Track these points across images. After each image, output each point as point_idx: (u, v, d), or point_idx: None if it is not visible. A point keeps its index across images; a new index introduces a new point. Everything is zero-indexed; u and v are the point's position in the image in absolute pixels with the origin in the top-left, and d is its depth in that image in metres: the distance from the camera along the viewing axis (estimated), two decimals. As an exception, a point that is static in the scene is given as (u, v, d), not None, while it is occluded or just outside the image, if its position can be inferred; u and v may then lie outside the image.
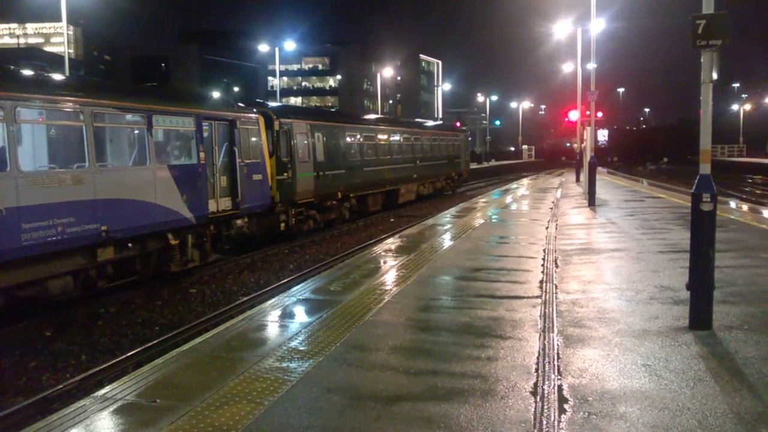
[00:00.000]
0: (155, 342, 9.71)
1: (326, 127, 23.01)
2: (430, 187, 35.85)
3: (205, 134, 14.77)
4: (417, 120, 46.46)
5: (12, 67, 11.97)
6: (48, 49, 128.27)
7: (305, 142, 20.84)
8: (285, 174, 19.16)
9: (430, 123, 45.41)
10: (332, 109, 43.15)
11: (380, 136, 29.07)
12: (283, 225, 19.24)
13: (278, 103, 29.01)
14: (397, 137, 31.19)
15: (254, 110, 17.72)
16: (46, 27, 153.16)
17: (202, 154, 14.44)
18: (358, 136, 26.43)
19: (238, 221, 16.37)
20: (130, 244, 12.56)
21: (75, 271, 11.39)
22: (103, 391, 5.49)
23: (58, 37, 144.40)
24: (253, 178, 16.61)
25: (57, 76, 12.85)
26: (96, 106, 11.54)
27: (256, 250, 17.63)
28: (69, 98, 11.18)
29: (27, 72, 12.10)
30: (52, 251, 10.51)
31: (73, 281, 11.40)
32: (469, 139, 54.10)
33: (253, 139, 16.91)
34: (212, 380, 5.61)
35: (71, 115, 11.34)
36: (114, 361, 8.90)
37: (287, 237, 19.59)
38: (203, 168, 14.50)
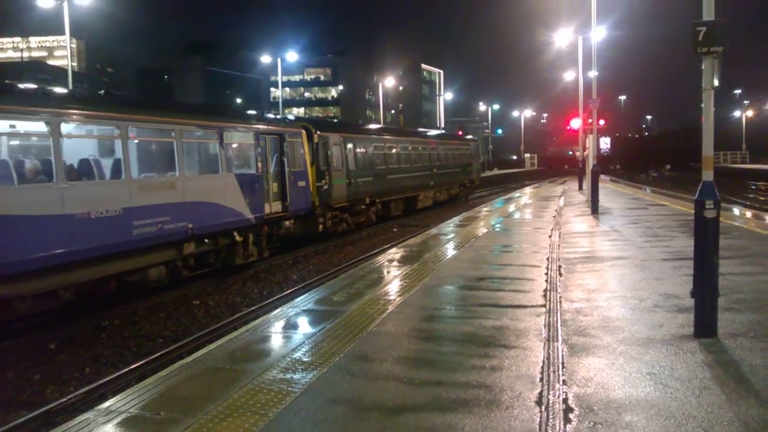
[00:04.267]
0: (159, 354, 9.69)
1: (356, 139, 25.46)
2: (446, 193, 37.72)
3: (261, 147, 16.96)
4: (432, 131, 49.00)
5: (118, 93, 14.96)
6: (51, 62, 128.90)
7: (339, 152, 23.05)
8: (323, 181, 21.46)
9: (435, 132, 47.03)
10: (360, 122, 45.71)
11: (402, 146, 31.21)
12: (321, 227, 21.44)
13: (316, 117, 31.95)
14: (416, 147, 33.37)
15: (298, 125, 20.37)
16: (50, 40, 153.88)
17: (259, 164, 16.75)
18: (383, 146, 28.65)
19: (287, 222, 18.60)
20: (206, 240, 14.62)
21: (167, 261, 13.48)
22: (107, 404, 5.49)
23: (61, 51, 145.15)
24: (298, 185, 18.89)
25: (154, 99, 16.00)
26: (183, 125, 13.88)
27: (299, 249, 19.66)
28: (164, 118, 13.66)
29: (133, 97, 14.88)
30: (153, 244, 12.70)
31: (165, 270, 13.49)
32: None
33: (298, 150, 19.27)
34: (216, 392, 5.60)
35: (165, 132, 13.62)
36: (118, 373, 8.88)
37: (324, 237, 21.78)
38: (260, 176, 16.72)
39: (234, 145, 16.15)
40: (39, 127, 10.72)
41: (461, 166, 41.29)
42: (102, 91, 14.57)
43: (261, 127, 17.37)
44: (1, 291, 9.81)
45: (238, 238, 15.72)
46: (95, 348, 10.36)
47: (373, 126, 35.28)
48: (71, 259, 10.66)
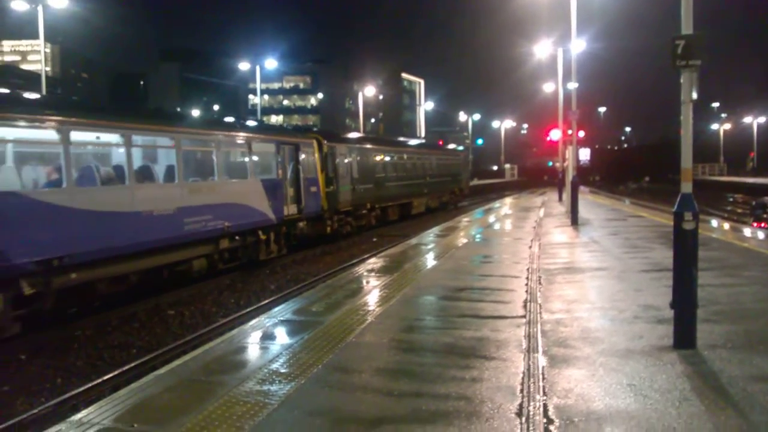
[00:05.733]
0: (132, 365, 9.49)
1: (359, 149, 28.04)
2: (437, 201, 40.30)
3: (281, 156, 19.24)
4: (413, 140, 51.05)
5: (178, 109, 18.40)
6: (25, 66, 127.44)
7: (345, 161, 25.53)
8: (331, 187, 23.62)
9: (422, 143, 49.95)
10: (363, 134, 48.59)
11: (399, 156, 34.06)
12: (329, 228, 23.55)
13: (325, 129, 34.81)
14: (412, 157, 36.31)
15: (310, 136, 22.84)
16: (23, 45, 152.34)
17: (279, 171, 19.10)
18: (383, 156, 31.32)
19: (301, 224, 20.79)
20: (237, 237, 16.62)
21: (207, 255, 15.48)
22: (79, 416, 5.35)
23: (35, 55, 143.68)
24: (311, 190, 21.25)
25: (196, 115, 19.05)
26: (220, 136, 16.20)
27: (310, 248, 21.75)
28: (206, 131, 16.16)
29: (183, 112, 17.81)
30: (198, 239, 14.81)
31: (205, 263, 15.49)
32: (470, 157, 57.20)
33: (311, 158, 21.73)
34: (191, 404, 5.48)
35: (207, 143, 15.92)
36: (90, 384, 8.68)
37: (332, 238, 23.87)
38: (281, 181, 18.99)
39: (259, 154, 18.31)
40: (116, 138, 13.08)
41: (452, 175, 44.15)
42: (153, 108, 17.32)
43: (280, 138, 19.87)
44: (87, 275, 11.65)
45: (262, 236, 17.85)
46: (67, 358, 10.13)
47: (374, 137, 38.21)
48: (140, 249, 12.90)
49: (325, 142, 23.55)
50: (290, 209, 19.56)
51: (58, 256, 10.80)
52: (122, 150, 12.95)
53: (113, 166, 13.20)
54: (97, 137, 13.15)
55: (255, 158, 17.89)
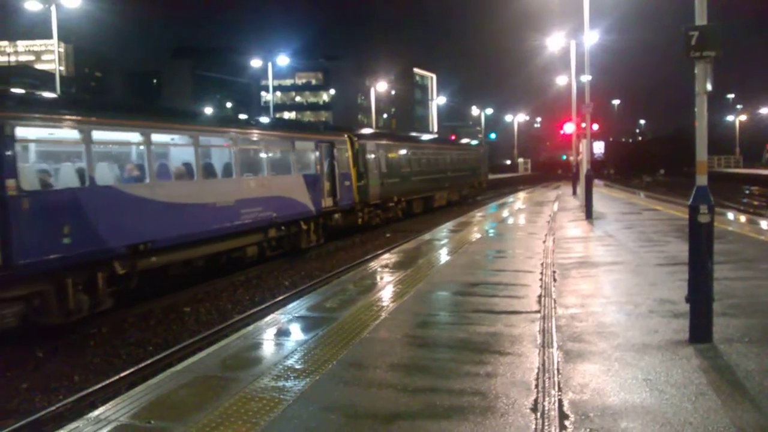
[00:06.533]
0: (149, 362, 9.56)
1: (387, 145, 29.66)
2: (457, 194, 41.75)
3: (319, 152, 20.87)
4: (425, 135, 54.05)
5: (231, 114, 20.14)
6: (39, 66, 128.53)
7: (373, 156, 27.07)
8: (362, 181, 25.16)
9: (433, 137, 51.74)
10: (389, 131, 50.15)
11: (422, 152, 35.65)
12: (360, 220, 25.08)
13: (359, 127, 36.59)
14: (434, 152, 38.02)
15: (343, 133, 24.24)
16: (37, 44, 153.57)
17: (318, 167, 20.67)
18: (408, 152, 32.96)
19: (336, 215, 22.20)
20: (282, 227, 18.30)
21: (258, 242, 17.07)
22: (96, 413, 5.40)
23: (49, 55, 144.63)
24: (345, 184, 22.80)
25: (248, 117, 22.26)
26: (269, 136, 18.35)
27: (344, 238, 23.43)
28: (257, 131, 17.96)
29: (241, 116, 20.16)
30: (251, 228, 16.41)
31: (256, 250, 17.08)
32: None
33: (344, 155, 23.25)
34: (207, 400, 5.52)
35: (257, 143, 17.85)
36: (107, 381, 8.76)
37: (362, 229, 25.56)
38: (319, 176, 20.56)
39: (301, 151, 19.82)
40: (186, 139, 14.66)
41: (471, 170, 45.86)
42: (211, 111, 18.86)
43: (319, 136, 21.47)
44: (164, 258, 13.30)
45: (303, 227, 19.42)
46: (84, 356, 10.23)
47: (398, 133, 39.54)
48: (207, 236, 14.52)
49: (356, 138, 24.98)
50: (327, 202, 21.02)
51: (144, 241, 12.47)
52: (191, 149, 14.65)
53: (183, 163, 14.71)
54: (172, 138, 14.63)
55: (297, 155, 19.36)
